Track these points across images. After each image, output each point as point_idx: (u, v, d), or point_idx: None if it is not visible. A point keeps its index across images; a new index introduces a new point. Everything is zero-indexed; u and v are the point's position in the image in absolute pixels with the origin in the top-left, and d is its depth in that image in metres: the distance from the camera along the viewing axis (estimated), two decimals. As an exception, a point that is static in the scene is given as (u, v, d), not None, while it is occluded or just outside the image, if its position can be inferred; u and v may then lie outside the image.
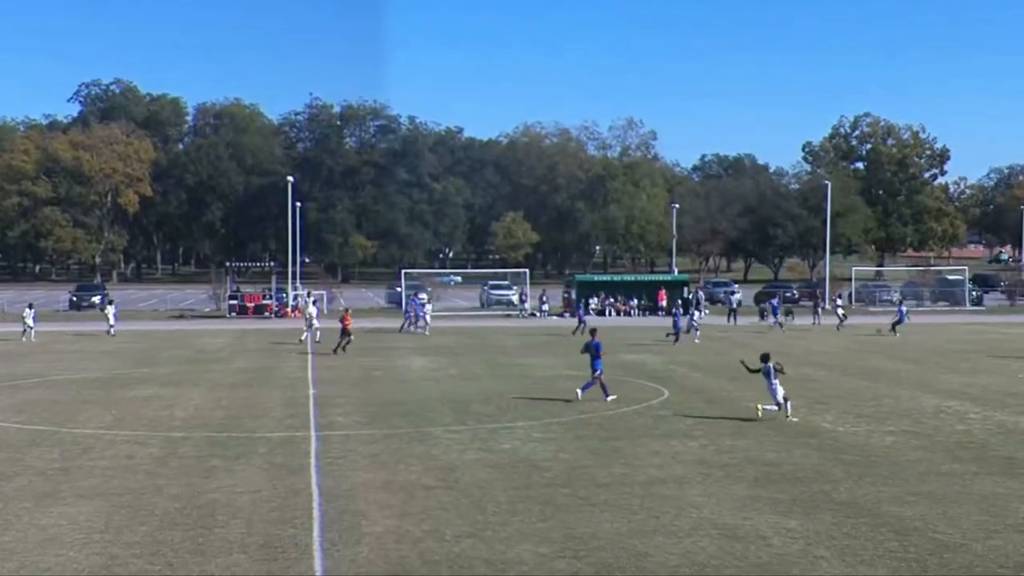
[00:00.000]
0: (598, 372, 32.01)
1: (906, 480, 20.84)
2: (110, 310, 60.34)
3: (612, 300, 79.39)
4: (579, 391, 31.81)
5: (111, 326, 58.62)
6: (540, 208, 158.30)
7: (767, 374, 27.66)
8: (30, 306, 60.76)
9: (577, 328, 57.53)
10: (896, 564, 15.34)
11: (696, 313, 62.61)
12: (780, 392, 27.58)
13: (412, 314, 61.70)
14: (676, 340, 51.73)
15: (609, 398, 31.48)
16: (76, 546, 16.33)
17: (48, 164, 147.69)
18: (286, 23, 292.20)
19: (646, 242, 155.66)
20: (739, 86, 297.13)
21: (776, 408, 27.53)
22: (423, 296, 65.58)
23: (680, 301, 64.61)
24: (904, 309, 61.38)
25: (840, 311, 64.56)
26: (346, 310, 52.52)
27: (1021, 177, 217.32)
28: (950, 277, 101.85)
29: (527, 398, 32.80)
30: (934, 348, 50.16)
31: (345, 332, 47.60)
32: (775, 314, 59.94)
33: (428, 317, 60.01)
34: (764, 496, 19.48)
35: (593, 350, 32.40)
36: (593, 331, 35.11)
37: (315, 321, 64.32)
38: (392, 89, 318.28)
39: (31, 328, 56.34)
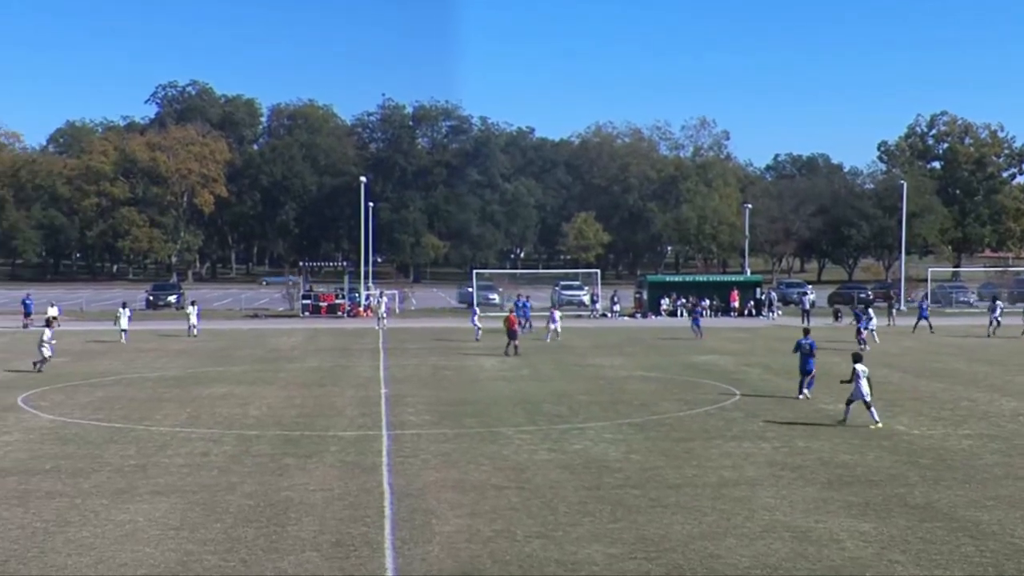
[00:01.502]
0: (812, 371, 32.78)
1: (983, 484, 20.58)
2: (192, 310, 60.49)
3: (683, 301, 78.99)
4: (807, 392, 32.40)
5: (192, 326, 58.71)
6: (611, 208, 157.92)
7: (858, 375, 26.97)
8: (193, 303, 62.09)
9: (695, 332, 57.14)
10: (972, 569, 15.16)
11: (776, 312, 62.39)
12: (868, 393, 26.97)
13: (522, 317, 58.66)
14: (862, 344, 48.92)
15: (801, 396, 32.19)
16: (152, 542, 16.54)
17: (126, 165, 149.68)
18: (359, 24, 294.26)
19: (718, 242, 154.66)
20: (813, 85, 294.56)
21: (866, 406, 26.91)
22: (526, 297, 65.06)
23: (862, 305, 62.06)
24: (998, 308, 60.51)
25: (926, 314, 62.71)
26: (510, 311, 53.53)
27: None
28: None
29: (598, 399, 32.75)
30: (1014, 350, 49.39)
31: (512, 333, 47.04)
32: (866, 327, 54.83)
33: (559, 325, 54.93)
34: (837, 499, 19.32)
35: (807, 348, 33.14)
36: (806, 331, 35.97)
37: (385, 320, 64.83)
38: (464, 89, 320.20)
39: (193, 324, 58.27)
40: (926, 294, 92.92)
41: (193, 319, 58.76)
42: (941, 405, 31.34)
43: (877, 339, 52.88)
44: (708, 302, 78.65)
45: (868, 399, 26.81)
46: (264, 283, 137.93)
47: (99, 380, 37.95)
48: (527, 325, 57.67)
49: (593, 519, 17.90)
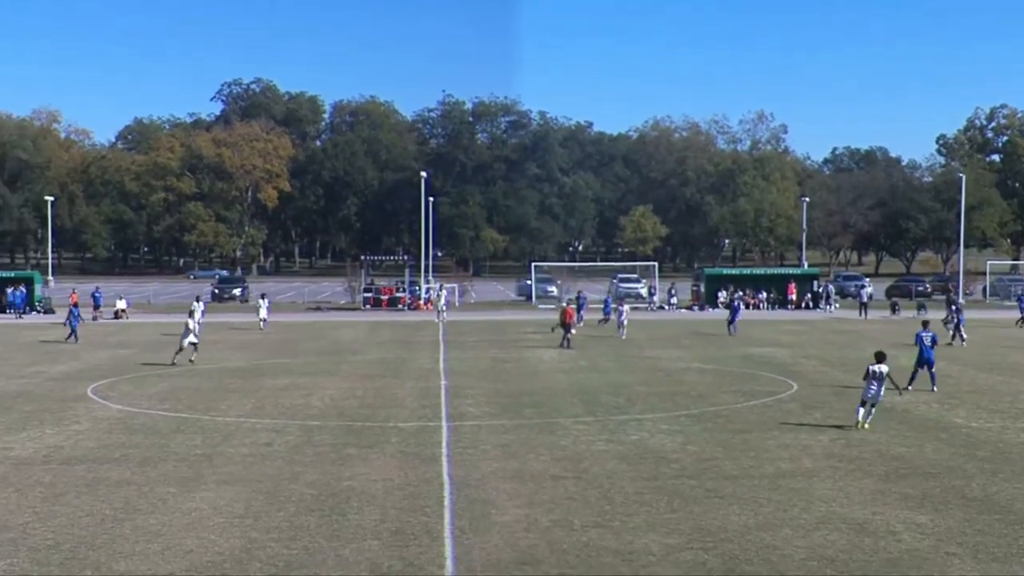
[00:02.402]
0: (933, 363, 32.48)
1: (1042, 477, 20.35)
2: (263, 304, 60.56)
3: (741, 293, 78.59)
4: (933, 388, 31.90)
5: (263, 320, 58.76)
6: (669, 202, 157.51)
7: (880, 376, 25.16)
8: (263, 296, 62.69)
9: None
10: (1030, 562, 15.00)
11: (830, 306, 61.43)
12: (872, 395, 25.03)
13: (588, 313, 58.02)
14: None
15: (909, 388, 31.55)
16: (217, 530, 16.72)
17: (192, 161, 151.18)
18: (419, 22, 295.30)
19: (776, 235, 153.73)
20: (871, 79, 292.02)
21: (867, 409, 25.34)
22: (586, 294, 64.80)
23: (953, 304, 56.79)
24: None
25: None
26: (567, 302, 53.74)
27: None
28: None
29: (656, 390, 32.67)
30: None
31: (567, 326, 46.92)
32: (959, 324, 49.22)
33: (626, 319, 53.07)
34: (894, 491, 19.16)
35: (930, 340, 32.82)
36: (925, 323, 35.37)
37: (444, 313, 64.98)
38: (523, 84, 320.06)
39: (263, 318, 58.49)
40: (985, 287, 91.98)
41: (263, 312, 59.02)
42: (999, 398, 31.00)
43: (965, 335, 49.68)
44: (765, 294, 78.34)
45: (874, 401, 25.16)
46: (191, 277, 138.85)
47: (166, 371, 38.36)
48: (579, 320, 56.00)
49: (650, 509, 17.87)
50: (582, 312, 56.77)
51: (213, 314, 68.95)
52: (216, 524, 17.03)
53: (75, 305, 54.80)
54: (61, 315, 70.66)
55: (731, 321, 52.96)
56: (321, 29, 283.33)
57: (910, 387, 31.45)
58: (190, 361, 39.59)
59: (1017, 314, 60.28)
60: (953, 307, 55.18)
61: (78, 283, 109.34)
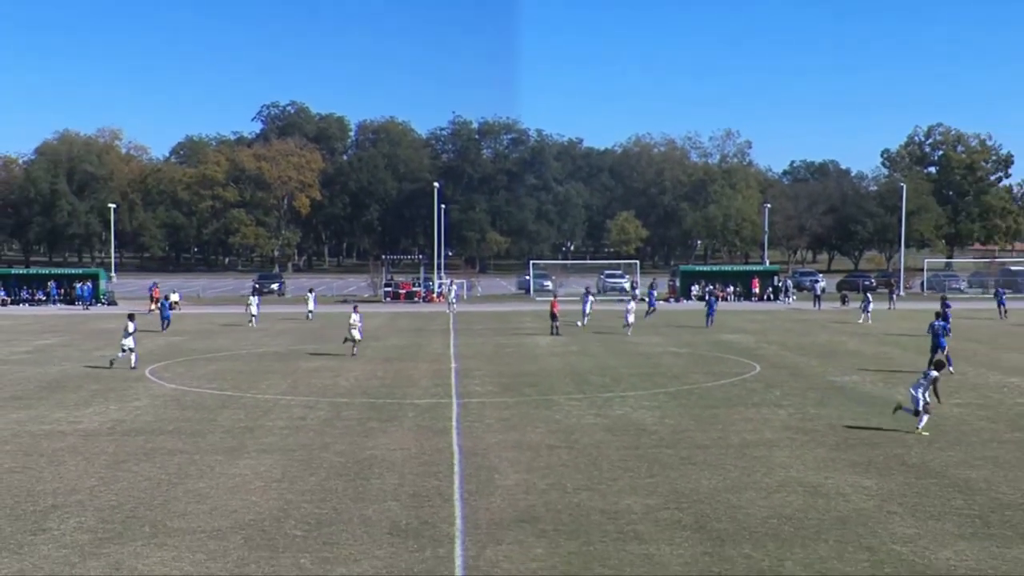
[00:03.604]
0: (945, 347, 31.81)
1: (971, 446, 20.36)
2: (310, 297, 60.28)
3: (711, 287, 78.54)
4: (950, 369, 30.78)
5: (310, 311, 58.27)
6: (649, 208, 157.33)
7: (927, 378, 22.06)
8: (311, 290, 62.56)
9: (648, 312, 56.50)
10: (961, 520, 15.01)
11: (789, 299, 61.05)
12: (923, 400, 21.80)
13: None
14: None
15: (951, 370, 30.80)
16: (258, 492, 16.76)
17: (235, 173, 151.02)
18: (433, 51, 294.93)
19: (741, 237, 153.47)
20: (825, 100, 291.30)
21: (911, 411, 22.06)
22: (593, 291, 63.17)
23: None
24: (1003, 293, 59.51)
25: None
26: (555, 296, 52.70)
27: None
28: (1013, 268, 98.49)
29: (637, 372, 32.69)
30: (1001, 331, 48.71)
31: (554, 316, 46.91)
32: (867, 310, 56.16)
33: (632, 316, 47.68)
34: (843, 458, 19.18)
35: (941, 330, 32.31)
36: (938, 314, 34.43)
37: (455, 305, 64.98)
38: (522, 106, 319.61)
39: (311, 310, 58.17)
40: (923, 282, 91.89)
41: (311, 304, 58.85)
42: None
43: (871, 320, 52.77)
44: (732, 288, 78.29)
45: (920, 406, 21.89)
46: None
47: (213, 355, 38.40)
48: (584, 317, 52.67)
49: (632, 474, 17.90)
50: (587, 308, 53.01)
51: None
52: (257, 487, 17.08)
53: (166, 299, 54.48)
54: (124, 307, 70.88)
55: (708, 314, 51.62)
56: (348, 58, 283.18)
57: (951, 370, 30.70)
58: (346, 342, 38.77)
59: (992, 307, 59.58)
60: (867, 300, 55.78)
61: (138, 279, 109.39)
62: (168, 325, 49.74)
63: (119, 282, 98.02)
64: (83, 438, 21.61)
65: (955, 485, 17.09)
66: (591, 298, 54.06)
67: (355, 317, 38.58)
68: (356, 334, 38.06)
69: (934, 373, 22.00)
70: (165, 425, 23.11)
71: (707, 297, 55.31)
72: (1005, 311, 56.41)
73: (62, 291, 76.10)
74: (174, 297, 69.00)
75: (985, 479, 17.52)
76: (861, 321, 53.25)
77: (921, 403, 21.61)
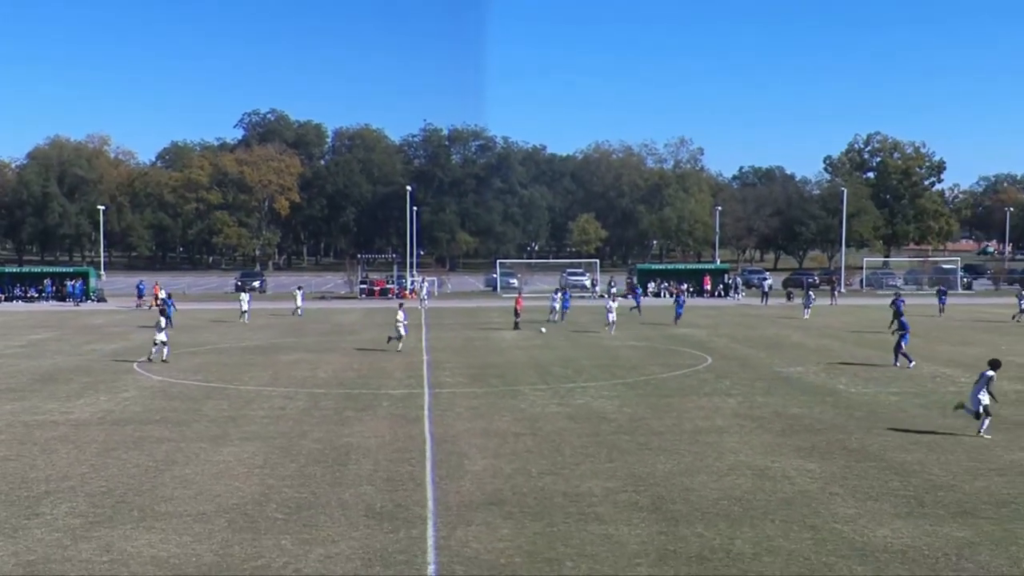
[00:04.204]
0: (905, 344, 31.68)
1: (906, 432, 20.55)
2: (298, 294, 59.66)
3: (666, 284, 78.90)
4: (910, 363, 31.14)
5: (298, 307, 57.87)
6: (608, 210, 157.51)
7: (983, 378, 20.36)
8: (299, 288, 61.96)
9: (635, 308, 56.87)
10: (898, 500, 15.15)
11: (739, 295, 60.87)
12: (983, 401, 20.10)
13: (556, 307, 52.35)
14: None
15: (911, 365, 31.03)
16: (241, 478, 16.67)
17: (218, 177, 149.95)
18: (406, 62, 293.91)
19: (694, 238, 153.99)
20: (772, 109, 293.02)
21: (972, 413, 20.44)
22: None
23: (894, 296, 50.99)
24: (945, 295, 59.71)
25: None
26: (520, 294, 52.26)
27: (1005, 184, 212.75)
28: (945, 266, 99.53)
29: (597, 363, 32.77)
30: (933, 324, 49.14)
31: (517, 313, 46.86)
32: (808, 305, 56.43)
33: (614, 315, 45.21)
34: (789, 444, 19.32)
35: (902, 328, 32.01)
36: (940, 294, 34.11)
37: (426, 301, 64.85)
38: (490, 114, 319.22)
39: (299, 306, 57.62)
40: (862, 279, 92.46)
41: (299, 301, 58.45)
42: (873, 368, 31.28)
43: (808, 315, 53.05)
44: (686, 285, 78.58)
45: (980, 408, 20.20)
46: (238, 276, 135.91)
47: (198, 349, 38.14)
48: (562, 314, 51.31)
49: (593, 459, 17.94)
50: (566, 307, 52.11)
51: (237, 302, 68.58)
52: (239, 473, 16.99)
53: (169, 296, 52.57)
54: (113, 303, 70.25)
55: (677, 312, 50.20)
56: (325, 68, 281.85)
57: (910, 364, 31.05)
58: (388, 340, 38.02)
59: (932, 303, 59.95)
60: (808, 296, 56.11)
61: (125, 277, 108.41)
62: (171, 324, 48.57)
63: (108, 280, 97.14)
64: (74, 428, 21.41)
65: (892, 468, 17.25)
66: (566, 294, 54.02)
67: (400, 315, 37.98)
68: (402, 330, 37.29)
69: (990, 373, 20.35)
70: (152, 415, 22.94)
71: (676, 296, 54.77)
72: (943, 308, 56.79)
73: (54, 288, 75.38)
74: (161, 294, 68.47)
75: (919, 462, 17.70)
76: (806, 316, 53.55)
77: (981, 405, 20.06)
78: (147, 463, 17.80)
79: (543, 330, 38.54)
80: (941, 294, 58.79)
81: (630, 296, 58.00)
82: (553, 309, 51.31)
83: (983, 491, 15.65)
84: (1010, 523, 13.91)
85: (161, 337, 33.46)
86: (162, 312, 37.19)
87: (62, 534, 13.55)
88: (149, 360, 33.24)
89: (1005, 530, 13.58)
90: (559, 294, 53.83)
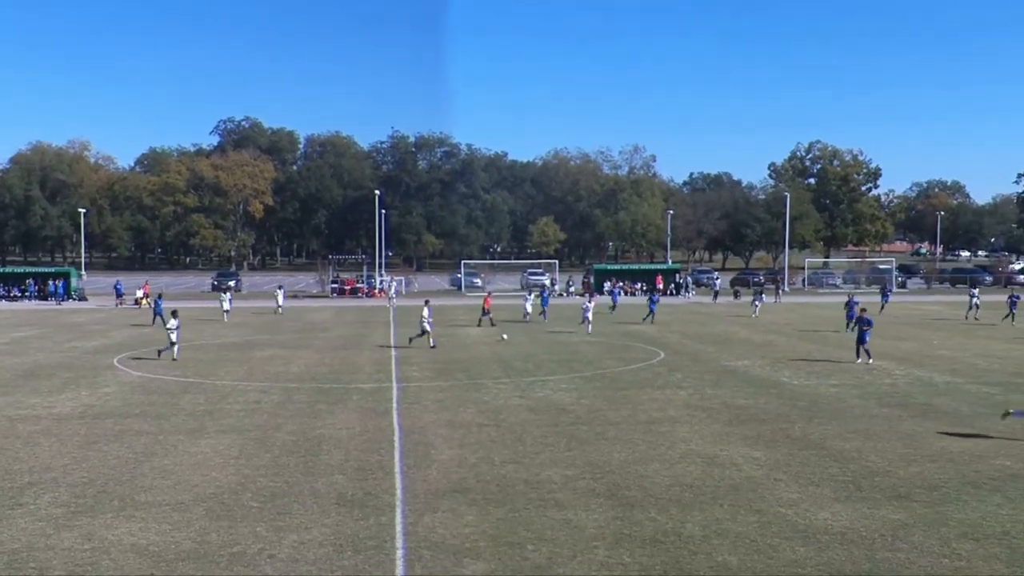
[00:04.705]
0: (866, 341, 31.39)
1: (845, 421, 20.77)
2: (279, 293, 58.95)
3: (621, 284, 79.17)
4: (869, 360, 30.86)
5: (279, 306, 57.25)
6: (566, 214, 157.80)
7: None
8: (280, 287, 61.44)
9: (613, 308, 56.12)
10: (837, 485, 15.31)
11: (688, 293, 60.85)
12: None
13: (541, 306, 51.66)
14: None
15: (871, 360, 30.81)
16: (217, 468, 16.55)
17: (195, 181, 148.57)
18: (375, 73, 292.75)
19: (647, 239, 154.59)
20: (721, 118, 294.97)
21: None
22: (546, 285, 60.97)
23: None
24: (889, 292, 60.15)
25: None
26: (488, 293, 51.89)
27: (936, 189, 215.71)
28: (881, 266, 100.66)
29: (557, 358, 32.83)
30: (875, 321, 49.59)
31: (485, 311, 46.51)
32: (756, 302, 55.25)
33: (591, 314, 43.63)
34: (736, 433, 19.46)
35: (866, 324, 31.58)
36: (863, 308, 33.81)
37: (394, 300, 64.66)
38: (454, 122, 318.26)
39: (280, 304, 57.01)
40: (804, 279, 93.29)
41: (280, 299, 57.97)
42: (814, 362, 31.58)
43: (757, 313, 53.31)
44: (640, 285, 78.84)
45: None
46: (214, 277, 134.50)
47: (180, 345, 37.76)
48: (544, 312, 50.63)
49: (552, 449, 17.98)
50: (545, 306, 51.27)
51: (214, 301, 68.00)
52: (216, 464, 16.87)
53: (159, 296, 50.57)
54: (93, 302, 69.40)
55: (650, 310, 49.24)
56: (298, 78, 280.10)
57: (860, 361, 30.96)
58: (418, 338, 36.95)
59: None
60: (757, 294, 56.57)
61: (105, 277, 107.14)
62: (160, 319, 47.63)
63: (89, 280, 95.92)
64: (56, 421, 21.15)
65: (832, 455, 17.43)
66: (544, 294, 53.21)
67: (426, 311, 37.41)
68: (427, 326, 36.54)
69: None
70: (132, 409, 22.71)
71: (651, 295, 53.91)
72: (883, 306, 57.25)
73: (36, 288, 74.36)
74: (139, 293, 67.78)
75: (857, 449, 17.89)
76: (756, 315, 53.47)
77: None
78: (127, 455, 17.62)
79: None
80: (884, 292, 59.49)
81: (586, 296, 57.68)
82: (527, 312, 49.80)
83: (916, 476, 15.85)
84: (941, 506, 14.11)
85: (173, 337, 32.53)
86: (171, 313, 36.19)
87: (45, 523, 13.38)
88: (159, 356, 32.73)
89: (936, 512, 13.77)
90: (533, 295, 53.20)
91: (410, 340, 37.50)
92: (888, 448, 17.99)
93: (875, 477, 15.79)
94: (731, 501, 14.35)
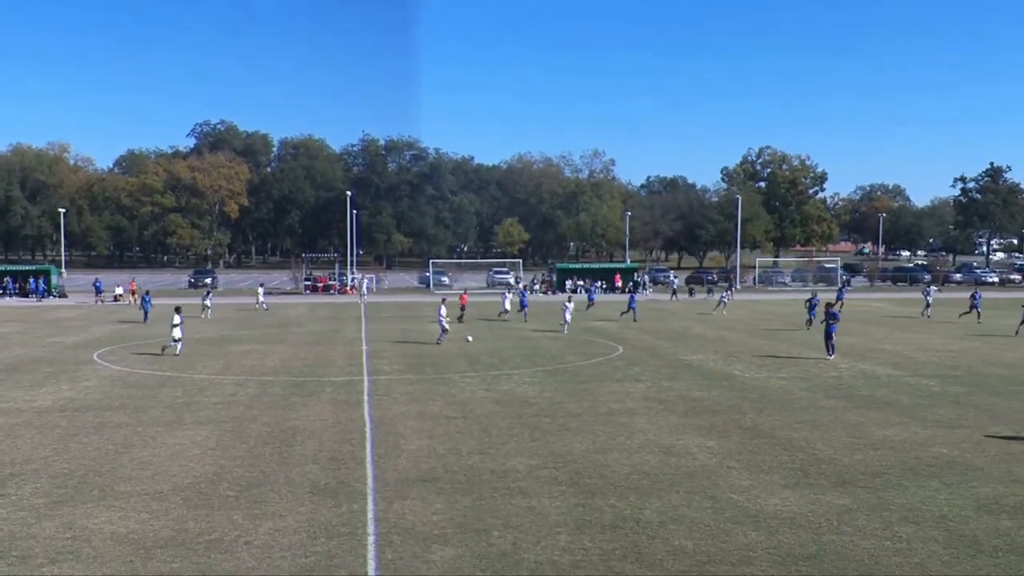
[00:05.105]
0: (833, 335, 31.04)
1: (794, 412, 20.95)
2: (260, 290, 58.91)
3: (582, 282, 79.40)
4: (831, 356, 30.52)
5: (262, 302, 56.95)
6: (530, 215, 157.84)
7: None
8: (261, 284, 60.94)
9: (588, 305, 55.04)
10: (786, 472, 15.45)
11: (646, 291, 60.93)
12: None
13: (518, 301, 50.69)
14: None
15: (831, 356, 30.47)
16: (195, 459, 16.41)
17: (172, 182, 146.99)
18: (346, 78, 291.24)
19: (607, 240, 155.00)
20: (676, 124, 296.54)
21: None
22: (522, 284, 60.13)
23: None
24: (844, 290, 60.19)
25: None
26: (464, 291, 51.41)
27: (879, 192, 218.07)
28: (827, 265, 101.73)
29: (521, 353, 32.85)
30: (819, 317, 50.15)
31: (462, 307, 46.28)
32: (723, 300, 53.89)
33: (569, 314, 41.56)
34: (691, 423, 19.58)
35: (832, 318, 31.13)
36: (829, 304, 33.32)
37: (365, 296, 64.41)
38: (423, 126, 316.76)
39: (262, 301, 56.76)
40: (754, 277, 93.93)
41: (261, 296, 57.68)
42: (765, 356, 31.83)
43: (723, 311, 53.38)
44: (600, 283, 79.08)
45: None
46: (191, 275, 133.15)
47: (154, 341, 37.37)
48: (524, 311, 49.10)
49: (517, 439, 18.00)
50: (525, 305, 49.79)
51: (192, 298, 67.35)
52: (194, 455, 16.72)
53: (147, 293, 49.08)
54: (73, 299, 68.52)
55: (631, 307, 48.28)
56: (272, 82, 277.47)
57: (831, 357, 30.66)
58: (437, 343, 35.85)
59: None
60: (726, 289, 56.89)
61: (84, 275, 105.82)
62: (147, 317, 46.33)
63: (69, 277, 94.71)
64: (38, 414, 20.87)
65: (781, 444, 17.59)
66: (524, 293, 51.90)
67: (443, 310, 37.06)
68: (444, 324, 36.09)
69: None
70: (112, 402, 22.45)
71: (631, 294, 53.20)
72: (841, 304, 57.29)
73: (17, 286, 73.30)
74: (118, 291, 67.08)
75: (805, 438, 18.07)
76: (725, 313, 51.97)
77: None
78: (107, 446, 17.43)
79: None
80: (840, 291, 59.77)
81: (567, 295, 57.06)
82: (505, 309, 48.57)
83: (860, 463, 16.04)
84: (883, 491, 14.29)
85: (176, 333, 31.73)
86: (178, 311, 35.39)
87: (27, 513, 13.21)
88: (162, 352, 32.18)
89: (879, 497, 13.95)
90: (511, 292, 52.47)
91: (440, 341, 36.01)
92: (833, 437, 18.18)
93: (821, 464, 15.96)
94: (686, 488, 14.44)
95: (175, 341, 31.86)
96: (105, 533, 12.31)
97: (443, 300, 40.53)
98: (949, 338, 38.51)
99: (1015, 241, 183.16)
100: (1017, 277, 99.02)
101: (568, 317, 41.18)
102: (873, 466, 15.85)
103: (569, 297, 47.00)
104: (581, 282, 79.27)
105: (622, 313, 49.07)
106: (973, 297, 48.41)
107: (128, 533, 12.30)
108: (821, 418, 20.20)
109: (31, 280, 72.35)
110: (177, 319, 32.08)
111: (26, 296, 70.95)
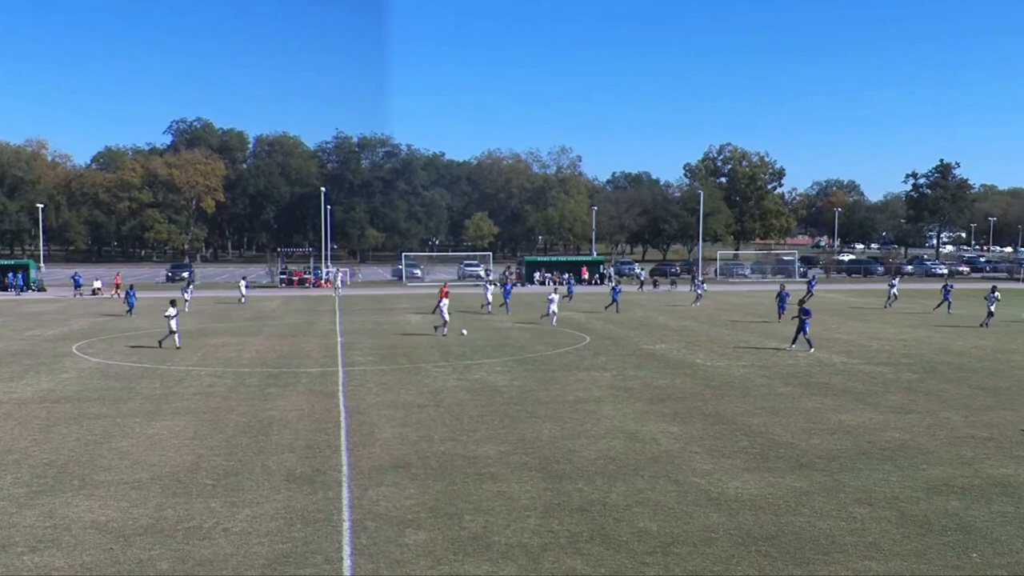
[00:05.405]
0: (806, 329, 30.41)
1: (753, 399, 21.13)
2: (243, 284, 58.56)
3: (550, 274, 79.53)
4: (793, 347, 30.25)
5: (243, 295, 56.54)
6: (499, 209, 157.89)
7: None
8: (244, 278, 60.62)
9: (568, 296, 54.21)
10: (746, 456, 15.59)
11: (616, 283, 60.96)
12: None
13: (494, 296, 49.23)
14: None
15: (794, 347, 30.24)
16: (173, 448, 16.29)
17: (149, 178, 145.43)
18: (321, 76, 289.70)
19: (574, 233, 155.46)
20: (640, 122, 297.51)
21: None
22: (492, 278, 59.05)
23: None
24: (814, 282, 60.13)
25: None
26: (444, 283, 50.97)
27: (834, 188, 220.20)
28: (785, 258, 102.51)
29: (491, 343, 32.86)
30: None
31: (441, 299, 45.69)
32: (698, 290, 53.97)
33: (555, 307, 40.91)
34: (655, 410, 19.68)
35: (804, 314, 30.47)
36: (801, 301, 32.98)
37: (339, 290, 64.10)
38: (395, 124, 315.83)
39: (244, 295, 56.56)
40: (716, 269, 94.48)
41: (243, 290, 57.37)
42: (725, 345, 32.04)
43: (699, 304, 52.63)
44: (568, 275, 79.19)
45: None
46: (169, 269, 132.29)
47: (132, 333, 37.03)
48: (507, 305, 48.04)
49: (488, 427, 18.02)
50: (507, 298, 48.61)
51: (168, 291, 66.73)
52: (172, 444, 16.60)
53: (131, 287, 48.13)
54: (52, 293, 67.65)
55: (614, 299, 47.55)
56: (247, 80, 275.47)
57: (793, 347, 30.38)
58: (443, 335, 34.82)
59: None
60: (696, 281, 57.05)
61: (63, 269, 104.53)
62: (131, 311, 45.77)
63: (47, 271, 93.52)
64: (17, 406, 20.61)
65: (741, 429, 17.74)
66: (507, 286, 50.98)
67: (444, 303, 36.55)
68: (446, 316, 35.81)
69: None
70: (91, 393, 22.22)
71: (614, 286, 52.77)
72: (810, 296, 57.36)
73: (-4, 279, 72.22)
74: (96, 284, 66.34)
75: (764, 424, 18.23)
76: (697, 305, 51.44)
77: None
78: (86, 437, 17.25)
79: (464, 332, 35.87)
80: (810, 284, 59.94)
81: (552, 287, 56.24)
82: (488, 301, 47.52)
83: (816, 448, 16.21)
84: (838, 474, 14.45)
85: (172, 325, 31.17)
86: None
87: (7, 502, 13.05)
88: (160, 346, 31.68)
89: (834, 480, 14.10)
90: (493, 286, 51.83)
91: (445, 333, 35.56)
92: (791, 423, 18.35)
93: (780, 449, 16.11)
94: (651, 472, 14.53)
95: (172, 333, 31.39)
96: (85, 521, 12.19)
97: (446, 291, 39.53)
98: (901, 327, 38.97)
99: (963, 235, 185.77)
100: (966, 269, 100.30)
101: (555, 308, 40.65)
102: (829, 450, 16.02)
103: (555, 289, 46.71)
104: (549, 274, 79.37)
105: (606, 307, 48.74)
106: (945, 289, 48.25)
107: (108, 521, 12.19)
108: (779, 404, 20.38)
109: (10, 274, 71.25)
110: (172, 311, 31.55)
111: (5, 290, 69.93)
